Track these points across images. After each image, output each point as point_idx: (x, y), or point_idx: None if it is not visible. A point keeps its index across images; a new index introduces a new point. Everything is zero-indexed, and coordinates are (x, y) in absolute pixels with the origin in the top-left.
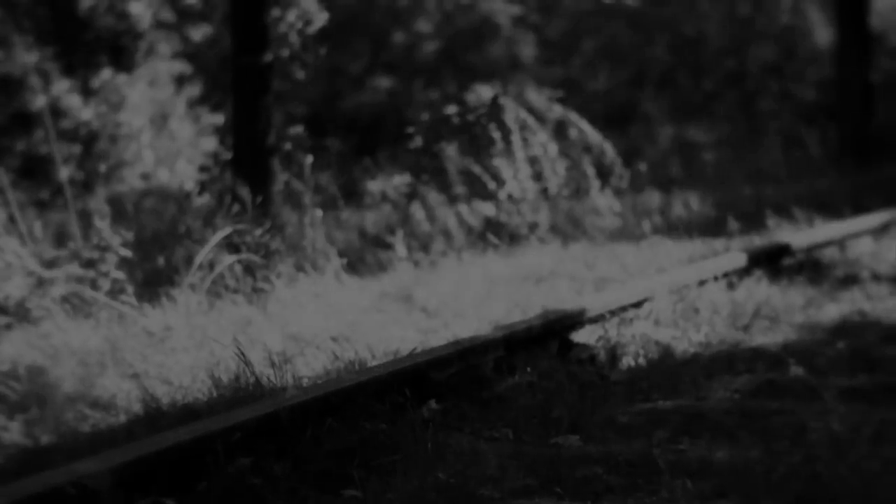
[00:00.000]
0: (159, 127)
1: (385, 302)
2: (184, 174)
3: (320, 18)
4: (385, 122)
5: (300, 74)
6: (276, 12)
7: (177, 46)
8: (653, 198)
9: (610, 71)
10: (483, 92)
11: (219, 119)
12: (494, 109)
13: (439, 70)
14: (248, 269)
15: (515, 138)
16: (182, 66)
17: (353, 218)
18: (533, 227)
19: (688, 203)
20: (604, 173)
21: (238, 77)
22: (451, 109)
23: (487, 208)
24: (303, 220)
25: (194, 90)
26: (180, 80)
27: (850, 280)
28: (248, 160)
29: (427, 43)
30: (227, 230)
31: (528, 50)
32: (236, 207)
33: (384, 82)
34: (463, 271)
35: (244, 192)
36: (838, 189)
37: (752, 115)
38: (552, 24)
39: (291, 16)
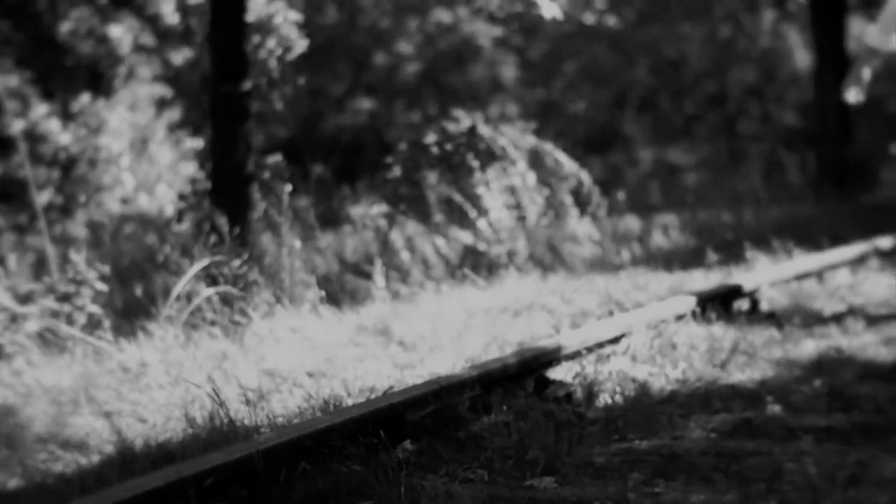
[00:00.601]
0: (139, 151)
1: (362, 336)
2: (164, 199)
3: (300, 45)
4: (366, 144)
5: (279, 105)
6: (255, 39)
7: (157, 70)
8: (632, 225)
9: (591, 93)
10: (462, 120)
11: (199, 143)
12: (473, 138)
13: (420, 92)
14: (226, 301)
15: (494, 167)
16: (162, 90)
17: (333, 244)
18: (511, 255)
19: (667, 231)
20: (581, 202)
21: (217, 104)
22: (431, 138)
23: (466, 236)
24: (281, 250)
25: (174, 114)
26: (161, 104)
27: (827, 314)
28: (226, 189)
29: (408, 64)
30: (204, 261)
31: (509, 72)
32: (214, 237)
33: (365, 104)
34: (441, 303)
35: (222, 221)
36: (817, 217)
37: (733, 137)
38: (534, 45)
39: (271, 42)
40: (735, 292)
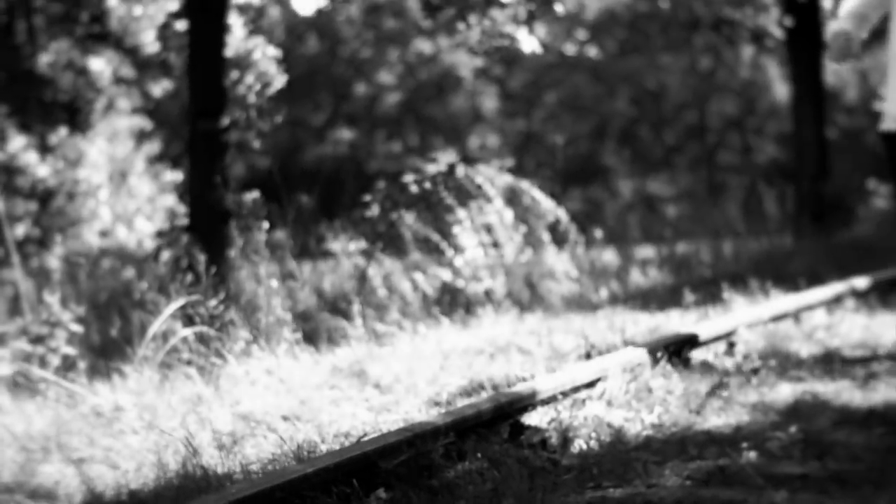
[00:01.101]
0: (118, 184)
1: (338, 377)
2: (142, 232)
3: (279, 80)
4: (346, 174)
5: (256, 143)
6: (234, 74)
7: (137, 102)
8: (611, 260)
9: (571, 124)
10: (440, 159)
11: (178, 176)
12: (450, 177)
13: (401, 122)
14: (203, 341)
15: (471, 205)
16: (142, 122)
17: (312, 278)
18: (489, 293)
19: (645, 268)
20: (559, 238)
21: (195, 141)
22: (409, 177)
23: (444, 273)
24: (258, 289)
25: (154, 147)
26: (140, 136)
27: (804, 356)
28: (204, 225)
29: (389, 95)
30: (181, 301)
31: (489, 102)
32: (191, 276)
33: (346, 134)
34: (417, 344)
35: (200, 259)
36: (795, 253)
37: (713, 169)
38: (514, 76)
39: (250, 78)
40: (690, 342)
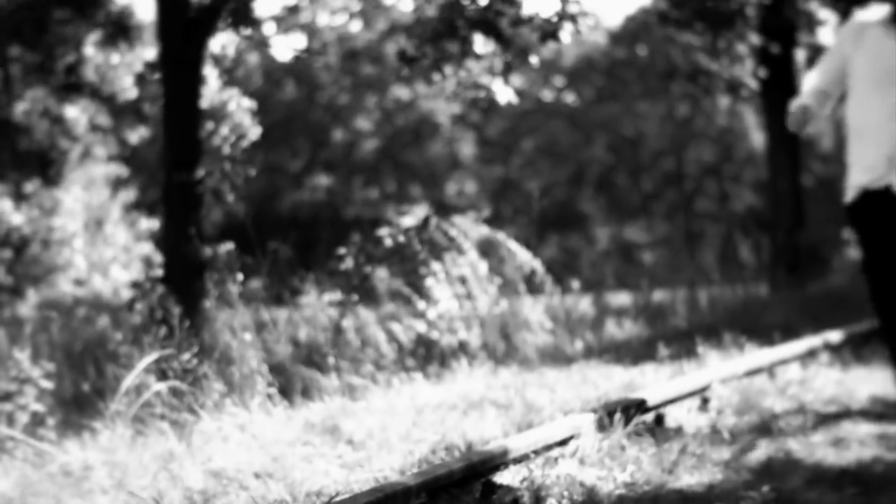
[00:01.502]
0: (93, 232)
1: (311, 433)
2: (118, 281)
3: (253, 132)
4: (324, 220)
5: (230, 196)
6: (209, 125)
7: (113, 149)
8: (586, 310)
9: (549, 170)
10: (415, 211)
11: (154, 224)
12: (424, 230)
13: (378, 168)
14: (176, 394)
15: (446, 257)
16: (118, 169)
17: (287, 329)
18: (463, 345)
19: (621, 320)
20: (535, 290)
21: (169, 192)
22: (383, 231)
23: (419, 324)
24: (232, 343)
25: (130, 194)
26: (116, 184)
27: (778, 412)
28: (178, 277)
29: (366, 141)
30: (154, 355)
31: (467, 148)
32: (165, 329)
33: (323, 180)
34: (391, 398)
35: (174, 311)
36: (770, 305)
37: (690, 216)
38: (492, 123)
39: (225, 129)
40: (637, 406)
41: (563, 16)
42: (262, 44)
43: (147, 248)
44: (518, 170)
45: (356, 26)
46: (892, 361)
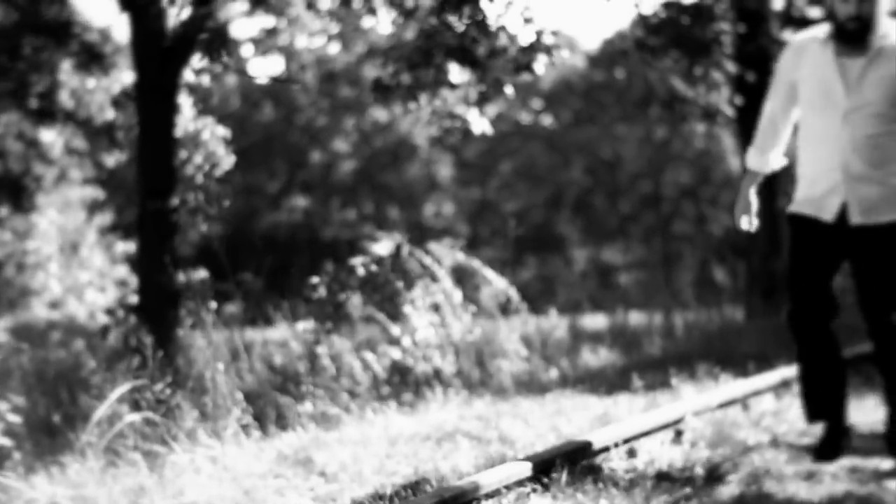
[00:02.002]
0: (69, 255)
1: (283, 465)
2: (93, 304)
3: (227, 161)
4: (301, 243)
5: (203, 227)
6: (183, 153)
7: (89, 172)
8: (562, 337)
9: (526, 192)
10: (388, 240)
11: (131, 247)
12: (398, 259)
13: (356, 190)
14: (149, 425)
15: (420, 284)
16: (94, 192)
17: (262, 352)
18: (438, 373)
19: (596, 346)
20: (510, 317)
21: (144, 220)
22: (356, 260)
23: (394, 352)
24: (205, 372)
25: (106, 218)
26: (93, 207)
27: (751, 444)
28: (152, 305)
29: (344, 163)
30: (127, 385)
31: (445, 170)
32: (139, 359)
33: (301, 202)
34: (365, 429)
35: (147, 340)
36: (745, 332)
37: (667, 238)
38: (470, 145)
39: (198, 157)
40: (580, 452)
41: (538, 47)
42: (240, 71)
43: (123, 271)
44: (496, 192)
45: (334, 48)
46: (801, 388)
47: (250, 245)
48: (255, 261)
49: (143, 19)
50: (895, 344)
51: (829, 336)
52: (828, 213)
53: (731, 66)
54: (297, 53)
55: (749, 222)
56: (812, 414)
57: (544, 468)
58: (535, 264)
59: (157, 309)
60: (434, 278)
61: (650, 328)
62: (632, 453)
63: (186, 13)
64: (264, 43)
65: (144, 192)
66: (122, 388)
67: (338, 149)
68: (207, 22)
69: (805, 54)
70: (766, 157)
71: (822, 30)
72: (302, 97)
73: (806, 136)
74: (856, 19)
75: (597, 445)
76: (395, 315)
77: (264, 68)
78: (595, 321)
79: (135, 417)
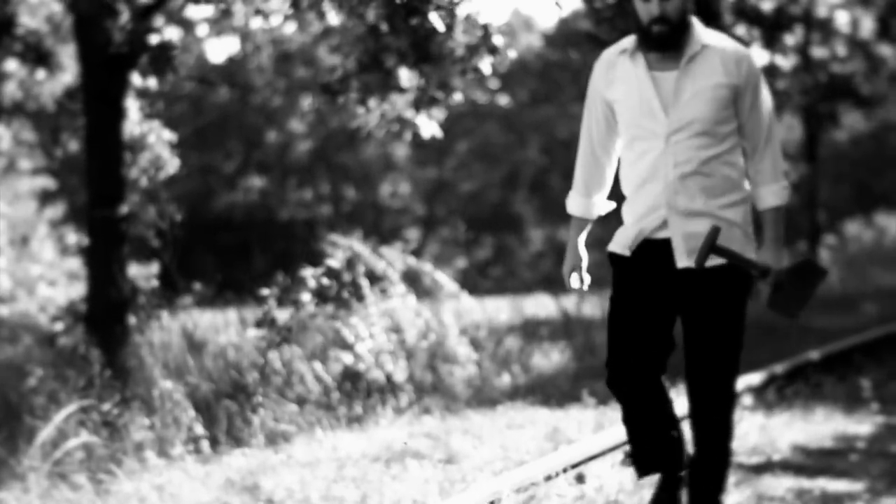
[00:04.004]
0: (19, 248)
1: (230, 493)
2: (44, 298)
3: (172, 164)
4: (257, 221)
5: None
6: (127, 157)
7: (40, 162)
8: (513, 346)
9: (483, 172)
10: (340, 248)
11: (83, 239)
12: (351, 270)
13: (312, 170)
14: (94, 449)
15: (373, 290)
16: (46, 182)
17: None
18: (390, 378)
19: (548, 351)
20: (461, 321)
21: (93, 229)
22: (308, 272)
23: (346, 356)
24: (152, 392)
25: (58, 210)
26: (44, 197)
27: None
28: (101, 315)
29: (300, 143)
30: (73, 406)
31: (401, 150)
32: (86, 376)
33: (257, 182)
34: (314, 449)
35: (95, 354)
36: None
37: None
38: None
39: (143, 160)
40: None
41: (485, 46)
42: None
43: (75, 263)
44: (452, 172)
45: (290, 28)
46: (630, 446)
47: (206, 227)
48: (210, 244)
49: (89, 28)
50: (722, 454)
51: (656, 392)
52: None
53: None
54: (251, 34)
55: (580, 280)
56: (643, 469)
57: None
58: (491, 243)
59: (105, 318)
60: (389, 281)
61: (603, 320)
62: (580, 479)
63: (129, 24)
64: (219, 23)
65: (92, 201)
66: (68, 409)
67: (294, 129)
68: (150, 35)
69: (615, 71)
70: (591, 200)
71: (630, 40)
72: (257, 77)
73: (627, 166)
74: (661, 21)
75: (543, 474)
76: (348, 324)
77: (220, 49)
78: (548, 308)
79: (79, 441)
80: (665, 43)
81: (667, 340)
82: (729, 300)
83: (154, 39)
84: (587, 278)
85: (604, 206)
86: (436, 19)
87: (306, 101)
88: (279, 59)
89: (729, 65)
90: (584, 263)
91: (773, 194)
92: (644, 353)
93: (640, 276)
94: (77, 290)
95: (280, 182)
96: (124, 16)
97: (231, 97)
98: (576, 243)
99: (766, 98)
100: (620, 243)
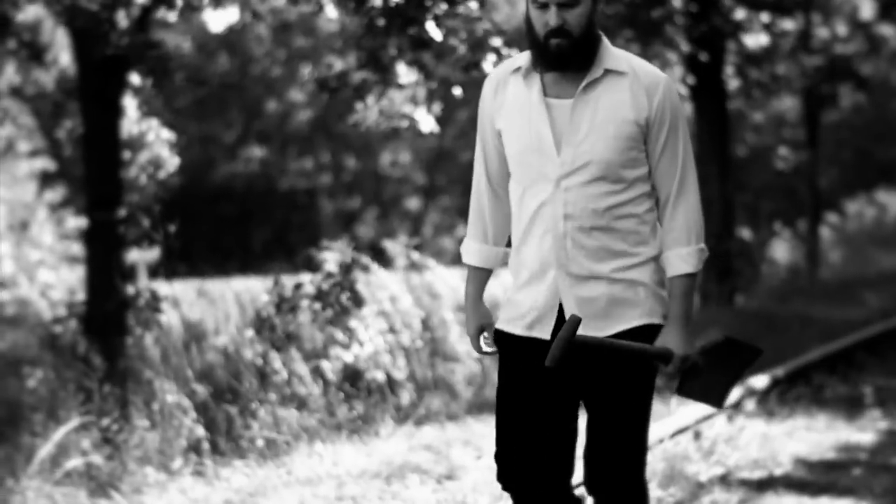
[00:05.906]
0: (19, 233)
1: None
2: (46, 284)
3: (172, 163)
4: (258, 191)
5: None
6: (126, 155)
7: (39, 144)
8: None
9: None
10: (337, 253)
11: (83, 222)
12: (348, 276)
13: (312, 139)
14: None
15: (371, 295)
16: (45, 163)
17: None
18: (389, 376)
19: None
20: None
21: (91, 232)
22: (305, 278)
23: (346, 355)
24: (152, 406)
25: (58, 193)
26: (44, 179)
27: (703, 481)
28: (99, 320)
29: (300, 112)
30: (72, 423)
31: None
32: (85, 384)
33: (257, 151)
34: (314, 464)
35: (95, 363)
36: (698, 331)
37: None
38: None
39: (143, 158)
40: None
41: (486, 47)
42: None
43: (76, 247)
44: (452, 140)
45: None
46: None
47: (206, 197)
48: (211, 213)
49: (85, 39)
50: None
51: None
52: (544, 329)
53: (685, 46)
54: (251, 3)
55: (487, 342)
56: None
57: None
58: None
59: (104, 322)
60: (385, 286)
61: None
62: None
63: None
64: None
65: (91, 203)
66: (68, 427)
67: (294, 98)
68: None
69: (505, 93)
70: (492, 247)
71: (525, 57)
72: (257, 47)
73: (515, 214)
74: (559, 33)
75: None
76: (346, 328)
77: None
78: None
79: (78, 462)
80: (564, 61)
81: (570, 435)
82: (633, 382)
83: (153, 41)
84: (490, 345)
85: (503, 253)
86: (433, 28)
87: (306, 70)
88: (279, 29)
89: (639, 95)
90: (492, 320)
91: (682, 259)
92: (545, 456)
93: (531, 357)
94: (77, 274)
95: (280, 151)
96: (122, 22)
97: (231, 67)
98: (477, 298)
99: (684, 138)
100: (509, 319)
